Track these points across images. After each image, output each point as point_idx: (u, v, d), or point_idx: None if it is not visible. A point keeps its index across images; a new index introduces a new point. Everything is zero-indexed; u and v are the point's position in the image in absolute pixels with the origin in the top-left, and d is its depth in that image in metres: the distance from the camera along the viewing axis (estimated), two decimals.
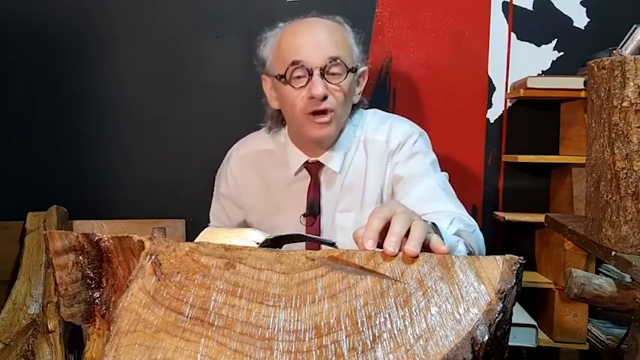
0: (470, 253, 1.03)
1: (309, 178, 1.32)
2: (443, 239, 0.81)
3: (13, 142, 2.02)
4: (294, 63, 1.19)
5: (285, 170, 1.34)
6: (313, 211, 1.30)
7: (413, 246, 0.72)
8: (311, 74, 1.18)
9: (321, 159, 1.31)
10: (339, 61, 1.19)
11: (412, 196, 1.20)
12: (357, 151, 1.32)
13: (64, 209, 1.94)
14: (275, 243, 1.03)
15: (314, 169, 1.32)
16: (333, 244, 1.06)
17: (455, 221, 1.07)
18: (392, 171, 1.28)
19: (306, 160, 1.32)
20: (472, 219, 1.18)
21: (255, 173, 1.39)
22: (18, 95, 2.01)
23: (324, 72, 1.19)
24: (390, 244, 0.73)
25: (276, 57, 1.25)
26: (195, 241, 1.08)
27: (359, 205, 1.29)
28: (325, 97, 1.19)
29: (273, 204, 1.36)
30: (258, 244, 1.02)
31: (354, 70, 1.24)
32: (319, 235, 1.30)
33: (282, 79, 1.21)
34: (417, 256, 0.73)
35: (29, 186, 2.01)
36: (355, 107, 1.33)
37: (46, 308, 1.74)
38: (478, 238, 1.13)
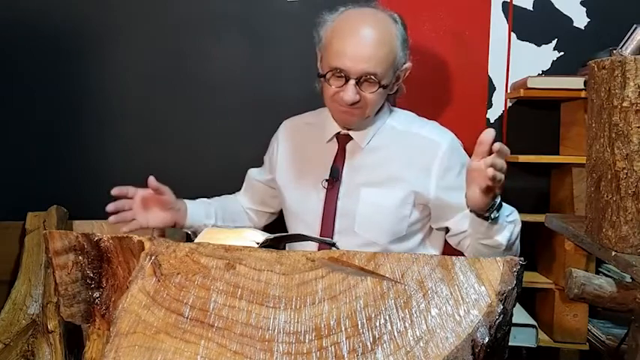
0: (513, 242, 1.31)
1: (337, 147, 1.48)
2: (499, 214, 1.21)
3: (13, 142, 2.02)
4: (335, 68, 1.33)
5: (320, 139, 1.51)
6: (334, 175, 1.45)
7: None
8: (347, 80, 1.33)
9: (351, 132, 1.46)
10: (373, 78, 1.33)
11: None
12: (392, 137, 1.46)
13: (64, 209, 1.94)
14: (275, 243, 1.03)
15: (343, 140, 1.48)
16: (333, 245, 1.06)
17: (515, 212, 1.35)
18: (440, 180, 1.40)
19: (338, 131, 1.48)
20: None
21: (295, 140, 1.58)
22: (18, 95, 2.01)
23: (358, 81, 1.33)
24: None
25: (324, 50, 1.39)
26: (195, 241, 1.08)
27: (388, 183, 1.42)
28: (355, 102, 1.34)
29: (302, 168, 1.53)
30: (258, 244, 1.01)
31: (384, 86, 1.36)
32: (335, 203, 1.44)
33: (323, 78, 1.38)
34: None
35: (29, 186, 2.01)
36: (393, 95, 1.49)
37: (46, 308, 1.74)
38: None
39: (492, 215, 1.22)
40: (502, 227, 1.26)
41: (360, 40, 1.32)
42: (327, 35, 1.39)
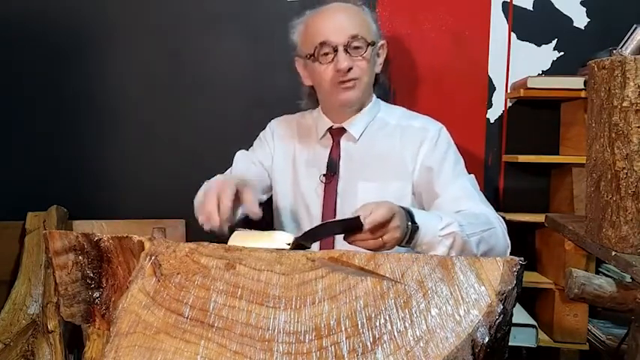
0: (464, 250, 1.19)
1: (332, 142, 1.49)
2: (417, 227, 1.13)
3: (13, 142, 2.02)
4: (321, 43, 1.38)
5: (313, 136, 1.53)
6: (331, 170, 1.46)
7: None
8: (336, 50, 1.37)
9: (344, 124, 1.48)
10: (359, 37, 1.37)
11: (450, 193, 1.36)
12: (386, 131, 1.48)
13: (64, 209, 1.94)
14: (305, 240, 1.02)
15: (337, 133, 1.49)
16: (357, 218, 1.05)
17: (455, 223, 1.19)
18: (425, 160, 1.42)
19: (330, 125, 1.50)
20: (497, 218, 1.33)
21: (289, 135, 1.57)
22: (18, 95, 2.01)
23: (347, 48, 1.37)
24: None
25: (304, 40, 1.44)
26: (228, 244, 1.06)
27: (385, 177, 1.43)
28: (350, 69, 1.37)
29: (298, 165, 1.53)
30: (289, 244, 1.00)
31: (372, 43, 1.41)
32: (334, 197, 1.43)
33: (312, 58, 1.40)
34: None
35: (29, 186, 2.01)
36: (378, 78, 1.52)
37: (46, 308, 1.74)
38: (494, 237, 1.28)
39: (409, 244, 1.17)
40: (433, 244, 1.18)
41: (336, 16, 1.41)
42: (300, 31, 1.45)
